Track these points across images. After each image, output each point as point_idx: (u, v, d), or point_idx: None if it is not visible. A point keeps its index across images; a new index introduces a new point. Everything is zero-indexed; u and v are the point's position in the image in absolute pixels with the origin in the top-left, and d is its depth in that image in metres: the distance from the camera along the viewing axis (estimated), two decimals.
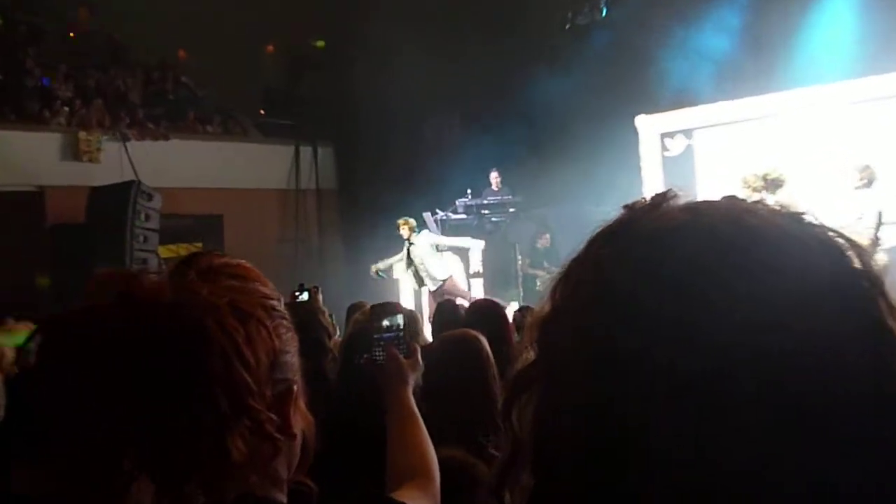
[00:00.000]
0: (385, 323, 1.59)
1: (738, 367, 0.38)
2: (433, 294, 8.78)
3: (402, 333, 1.59)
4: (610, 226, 0.48)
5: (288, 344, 0.78)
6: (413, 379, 1.53)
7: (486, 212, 10.09)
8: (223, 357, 0.69)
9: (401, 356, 1.54)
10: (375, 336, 1.58)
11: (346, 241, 12.48)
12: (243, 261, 0.82)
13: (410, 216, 8.96)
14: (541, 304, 0.49)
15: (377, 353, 1.56)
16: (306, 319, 2.84)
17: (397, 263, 9.03)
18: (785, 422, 0.37)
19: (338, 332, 3.72)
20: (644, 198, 0.49)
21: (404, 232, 8.76)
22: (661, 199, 0.48)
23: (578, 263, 0.48)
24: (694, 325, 0.39)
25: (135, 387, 0.66)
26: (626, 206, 0.49)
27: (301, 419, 0.79)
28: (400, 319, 1.60)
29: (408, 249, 8.81)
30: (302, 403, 0.80)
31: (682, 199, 0.47)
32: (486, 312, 3.47)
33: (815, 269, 0.40)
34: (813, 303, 0.39)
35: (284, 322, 0.79)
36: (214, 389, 0.68)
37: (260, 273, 0.81)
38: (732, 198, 0.46)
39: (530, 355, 0.47)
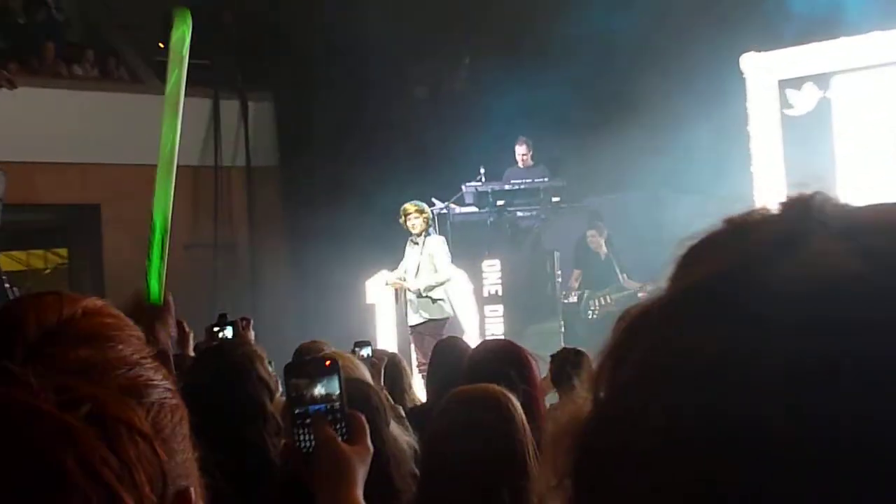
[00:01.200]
0: (316, 391, 1.62)
1: None
2: (414, 330, 8.88)
3: (338, 404, 1.62)
4: (709, 273, 0.46)
5: (174, 434, 0.82)
6: (362, 474, 1.57)
7: (508, 203, 10.12)
8: None
9: (339, 440, 1.57)
10: (297, 410, 1.62)
11: (293, 246, 12.49)
12: (90, 300, 0.84)
13: (400, 204, 8.91)
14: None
15: (301, 437, 1.61)
16: (233, 370, 2.81)
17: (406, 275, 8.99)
18: None
19: (281, 389, 3.69)
20: (763, 207, 0.47)
21: (417, 224, 8.77)
22: (798, 209, 0.46)
23: (641, 346, 0.48)
24: None
25: None
26: (729, 223, 0.47)
27: None
28: (336, 382, 1.63)
29: (412, 254, 8.80)
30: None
31: (833, 205, 0.45)
32: (500, 361, 3.48)
33: None
34: None
35: (167, 395, 0.82)
36: None
37: (115, 315, 0.84)
38: None
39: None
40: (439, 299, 8.75)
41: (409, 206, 8.76)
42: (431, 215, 8.90)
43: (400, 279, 8.90)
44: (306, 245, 11.68)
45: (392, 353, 5.48)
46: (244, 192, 12.79)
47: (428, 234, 8.80)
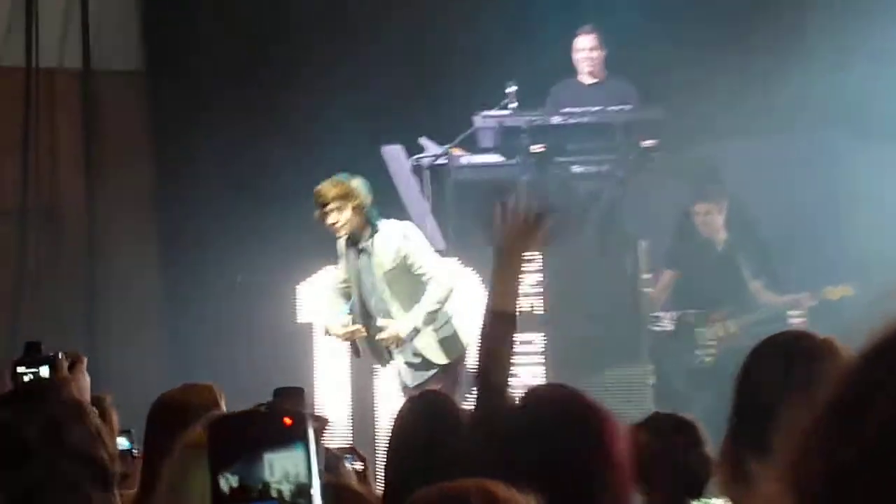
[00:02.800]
0: (221, 481, 1.74)
1: None
2: (407, 394, 8.99)
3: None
4: None
5: None
6: None
7: (557, 148, 10.30)
8: None
9: None
10: None
11: (165, 218, 12.67)
12: None
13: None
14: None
15: None
16: (38, 443, 2.95)
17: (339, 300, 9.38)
18: None
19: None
20: None
21: (341, 222, 8.88)
22: None
23: None
24: None
25: None
26: None
27: None
28: (304, 454, 1.74)
29: (357, 270, 9.08)
30: None
31: None
32: (557, 424, 3.49)
33: None
34: None
35: None
36: None
37: None
38: None
39: None
40: (445, 323, 9.00)
41: (320, 191, 8.78)
42: (365, 193, 8.87)
43: (350, 323, 9.13)
44: (190, 216, 11.77)
45: (329, 449, 5.42)
46: (79, 117, 12.80)
47: (373, 230, 8.87)
